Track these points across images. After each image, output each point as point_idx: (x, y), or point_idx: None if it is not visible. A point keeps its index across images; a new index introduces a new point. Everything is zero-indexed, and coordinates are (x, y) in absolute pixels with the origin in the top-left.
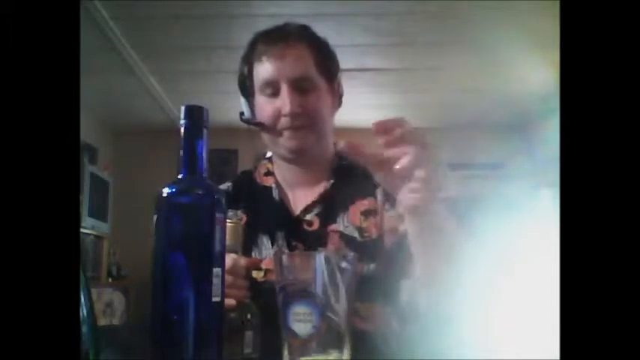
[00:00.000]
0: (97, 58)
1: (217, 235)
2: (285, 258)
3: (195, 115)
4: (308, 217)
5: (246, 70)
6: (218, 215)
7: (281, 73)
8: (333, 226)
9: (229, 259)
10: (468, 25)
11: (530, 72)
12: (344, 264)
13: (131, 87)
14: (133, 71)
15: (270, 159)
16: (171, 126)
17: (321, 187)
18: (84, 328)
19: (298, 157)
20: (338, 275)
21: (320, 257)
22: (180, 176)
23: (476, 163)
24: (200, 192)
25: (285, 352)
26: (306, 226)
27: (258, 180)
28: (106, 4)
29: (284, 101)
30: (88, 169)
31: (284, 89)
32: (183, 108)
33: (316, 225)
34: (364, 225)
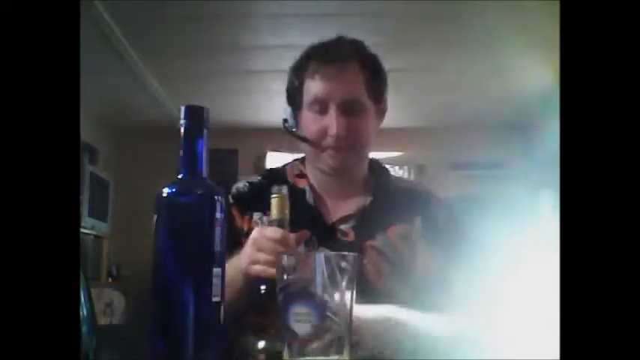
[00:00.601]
0: (97, 58)
1: (217, 235)
2: (285, 258)
3: (195, 115)
4: (343, 227)
5: (296, 83)
6: (218, 215)
7: (332, 95)
8: (370, 242)
9: (278, 232)
10: (468, 25)
11: (530, 72)
12: (344, 264)
13: (131, 87)
14: (133, 71)
15: (301, 160)
16: (171, 126)
17: (358, 201)
18: (84, 328)
19: (338, 174)
20: (338, 275)
21: (320, 257)
22: (180, 176)
23: (476, 163)
24: (200, 192)
25: (285, 352)
26: (340, 236)
27: (290, 180)
28: (106, 4)
29: (332, 123)
30: (88, 169)
31: (332, 111)
32: (183, 108)
33: (351, 237)
34: (400, 247)
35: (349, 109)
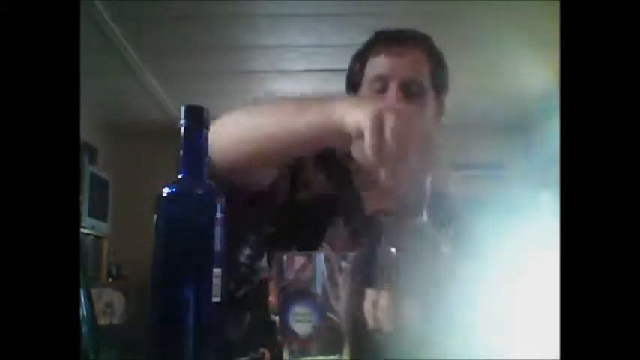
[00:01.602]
0: (97, 58)
1: (217, 235)
2: (285, 258)
3: (195, 115)
4: (381, 218)
5: (357, 65)
6: (218, 215)
7: (394, 71)
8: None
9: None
10: (468, 25)
11: (530, 72)
12: (344, 264)
13: (131, 87)
14: (133, 71)
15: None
16: (171, 126)
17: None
18: (84, 328)
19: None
20: (338, 275)
21: (320, 257)
22: (180, 176)
23: (476, 163)
24: (200, 192)
25: (285, 352)
26: (376, 227)
27: (339, 159)
28: (106, 4)
29: (390, 100)
30: (88, 169)
31: (393, 88)
32: (183, 108)
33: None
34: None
35: (409, 90)
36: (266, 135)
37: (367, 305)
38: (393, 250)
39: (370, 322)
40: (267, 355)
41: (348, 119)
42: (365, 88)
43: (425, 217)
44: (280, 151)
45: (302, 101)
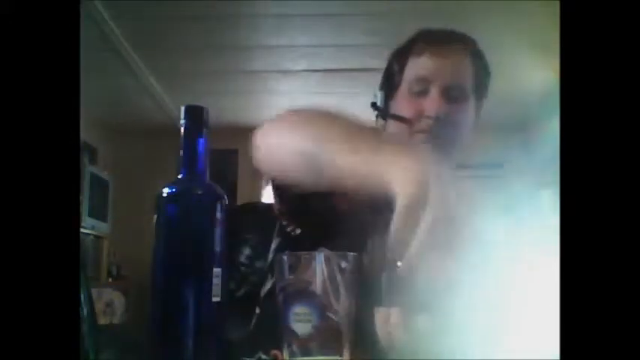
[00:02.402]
0: (97, 58)
1: (217, 235)
2: (285, 258)
3: (195, 115)
4: None
5: (397, 66)
6: (218, 215)
7: (437, 74)
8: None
9: None
10: (468, 26)
11: (530, 72)
12: (344, 264)
13: (131, 87)
14: (133, 71)
15: None
16: (171, 126)
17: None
18: (84, 328)
19: None
20: (338, 275)
21: (320, 257)
22: (180, 176)
23: (476, 163)
24: (200, 192)
25: (285, 352)
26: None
27: None
28: (106, 4)
29: (431, 103)
30: (88, 169)
31: (434, 92)
32: (183, 108)
33: None
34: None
35: (451, 96)
36: (308, 164)
37: (378, 324)
38: (399, 263)
39: (383, 340)
40: (280, 356)
41: (390, 178)
42: (404, 89)
43: None
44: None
45: (354, 136)
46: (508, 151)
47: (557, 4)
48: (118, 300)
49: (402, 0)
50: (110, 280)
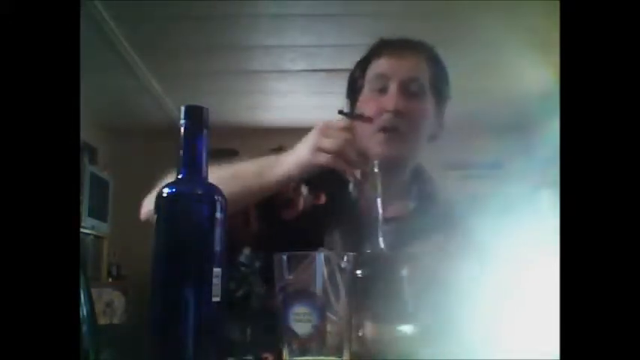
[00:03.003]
0: (97, 58)
1: (217, 235)
2: (285, 258)
3: (195, 115)
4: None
5: (359, 71)
6: (218, 215)
7: (395, 70)
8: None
9: (346, 121)
10: (468, 25)
11: (530, 72)
12: (344, 264)
13: (131, 87)
14: (133, 71)
15: None
16: (171, 126)
17: (401, 206)
18: (84, 328)
19: (385, 167)
20: (338, 275)
21: (320, 257)
22: (180, 176)
23: (475, 163)
24: (200, 192)
25: (285, 352)
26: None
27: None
28: (106, 4)
29: (391, 98)
30: (88, 169)
31: (393, 87)
32: (183, 108)
33: (390, 240)
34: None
35: (409, 90)
36: (243, 187)
37: (368, 336)
38: (405, 272)
39: (373, 352)
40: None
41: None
42: (366, 91)
43: (381, 244)
44: (255, 197)
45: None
46: (508, 151)
47: (557, 4)
48: (118, 300)
49: (402, 0)
50: (110, 280)
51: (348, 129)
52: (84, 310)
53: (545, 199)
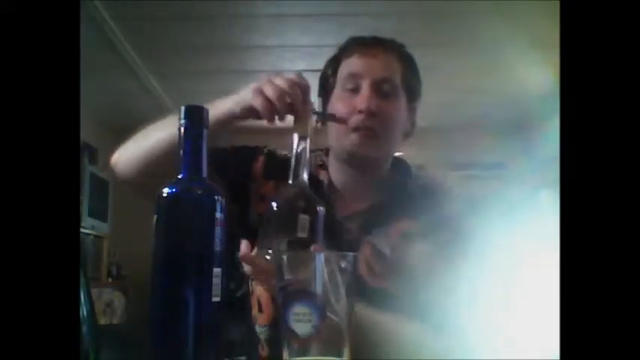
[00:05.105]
0: (97, 58)
1: (217, 235)
2: (284, 258)
3: (195, 115)
4: (350, 224)
5: (330, 69)
6: (218, 215)
7: (367, 70)
8: (369, 238)
9: (292, 75)
10: (468, 25)
11: (530, 72)
12: (344, 264)
13: (131, 87)
14: (133, 71)
15: (325, 151)
16: None
17: (371, 199)
18: (84, 328)
19: (356, 161)
20: (338, 275)
21: (320, 257)
22: (180, 176)
23: (476, 163)
24: (200, 192)
25: (285, 352)
26: (345, 233)
27: (312, 169)
28: (106, 4)
29: (363, 97)
30: (88, 169)
31: (365, 87)
32: (183, 108)
33: (355, 234)
34: (399, 245)
35: (381, 89)
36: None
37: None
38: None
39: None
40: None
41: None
42: (338, 90)
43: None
44: None
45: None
46: (508, 151)
47: (557, 4)
48: (118, 300)
49: (401, 0)
50: (110, 280)
51: (296, 84)
52: (84, 310)
53: (545, 199)
